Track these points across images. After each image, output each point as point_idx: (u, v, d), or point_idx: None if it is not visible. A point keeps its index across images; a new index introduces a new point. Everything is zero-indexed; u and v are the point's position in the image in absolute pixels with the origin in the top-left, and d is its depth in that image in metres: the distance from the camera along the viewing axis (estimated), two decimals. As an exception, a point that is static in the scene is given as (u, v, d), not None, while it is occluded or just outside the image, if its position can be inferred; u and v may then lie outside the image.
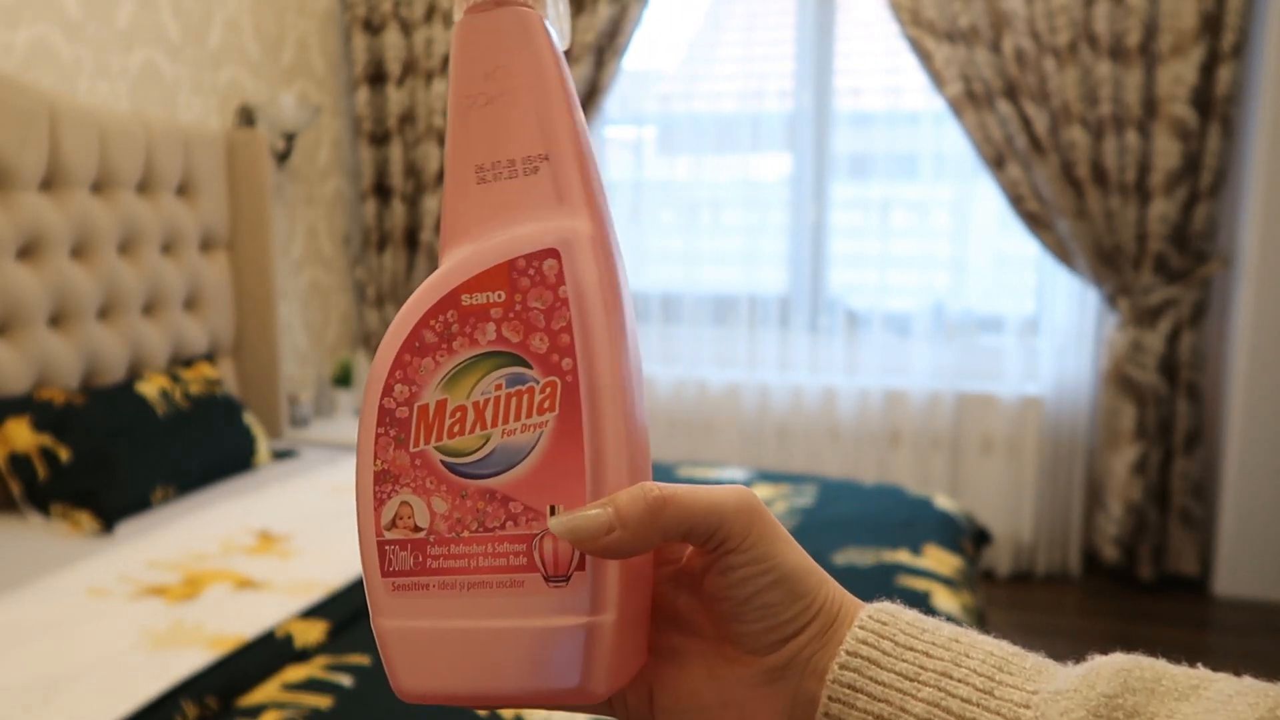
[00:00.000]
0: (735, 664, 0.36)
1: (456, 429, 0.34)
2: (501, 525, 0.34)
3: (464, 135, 0.36)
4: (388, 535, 0.35)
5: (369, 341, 3.32)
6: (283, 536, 1.82)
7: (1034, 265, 3.02)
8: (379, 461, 0.35)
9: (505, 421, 0.34)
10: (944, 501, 2.15)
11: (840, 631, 0.35)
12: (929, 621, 0.35)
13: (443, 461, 0.35)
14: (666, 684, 0.37)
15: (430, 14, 3.11)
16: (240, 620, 1.44)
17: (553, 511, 0.34)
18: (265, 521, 1.89)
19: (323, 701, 1.23)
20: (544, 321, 0.34)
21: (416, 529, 0.35)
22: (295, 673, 1.31)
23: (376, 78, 3.18)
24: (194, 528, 1.85)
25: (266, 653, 1.35)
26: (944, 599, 1.62)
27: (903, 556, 1.78)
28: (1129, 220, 2.72)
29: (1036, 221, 2.79)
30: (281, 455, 2.44)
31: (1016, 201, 2.79)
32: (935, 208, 3.02)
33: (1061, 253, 2.80)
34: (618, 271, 0.36)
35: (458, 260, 0.35)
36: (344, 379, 3.07)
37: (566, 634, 0.34)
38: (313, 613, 1.48)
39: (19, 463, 1.87)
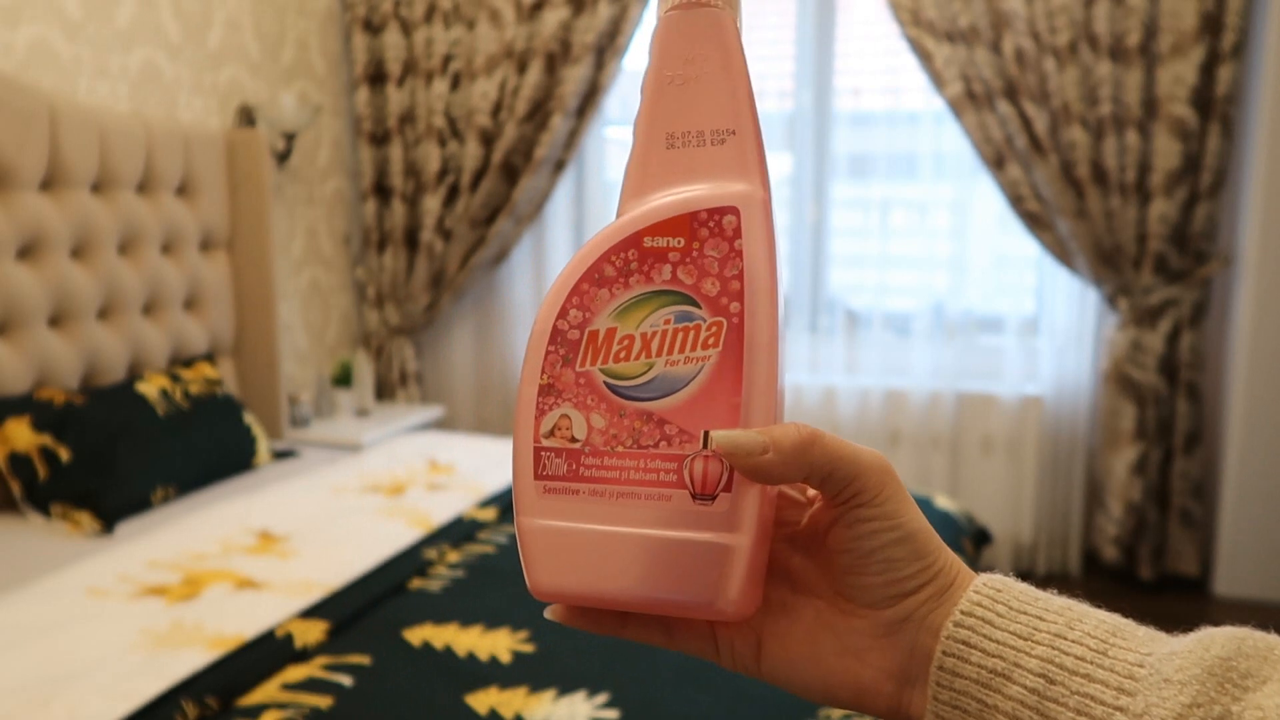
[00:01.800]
0: (852, 616, 0.38)
1: (622, 355, 0.38)
2: (655, 445, 0.37)
3: (659, 107, 0.40)
4: (545, 443, 0.38)
5: (369, 341, 3.32)
6: (283, 536, 1.82)
7: (1034, 265, 3.02)
8: (545, 376, 0.38)
9: (670, 353, 0.37)
10: (944, 501, 2.15)
11: (956, 594, 0.37)
12: (1040, 592, 0.37)
13: (605, 383, 0.38)
14: (778, 634, 0.39)
15: (430, 14, 3.11)
16: (240, 620, 1.44)
17: (706, 436, 0.37)
18: (265, 521, 1.89)
19: (323, 701, 1.23)
20: (718, 269, 0.37)
21: (573, 440, 0.38)
22: (295, 673, 1.31)
23: (376, 78, 3.18)
24: (194, 528, 1.85)
25: (266, 653, 1.35)
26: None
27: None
28: (1129, 220, 2.72)
29: (1036, 221, 2.79)
30: (281, 455, 2.44)
31: (1016, 201, 2.79)
32: (935, 208, 3.02)
33: (1061, 253, 2.80)
34: (774, 236, 0.39)
35: (646, 208, 0.39)
36: (344, 379, 3.07)
37: (706, 548, 0.36)
38: (313, 613, 1.48)
39: (19, 463, 1.87)
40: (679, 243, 0.38)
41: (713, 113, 0.40)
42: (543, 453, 0.38)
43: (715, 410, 0.37)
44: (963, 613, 0.36)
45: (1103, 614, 0.36)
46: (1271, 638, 0.33)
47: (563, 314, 0.38)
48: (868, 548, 0.36)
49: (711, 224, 0.38)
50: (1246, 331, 2.70)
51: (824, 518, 0.39)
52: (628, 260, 0.38)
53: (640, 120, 0.41)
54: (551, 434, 0.38)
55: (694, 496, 0.37)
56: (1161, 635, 0.35)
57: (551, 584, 0.38)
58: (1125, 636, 0.34)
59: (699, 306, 0.37)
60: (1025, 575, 3.02)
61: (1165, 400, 2.82)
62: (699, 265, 0.38)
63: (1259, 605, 2.74)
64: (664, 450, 0.37)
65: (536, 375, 0.39)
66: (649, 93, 0.41)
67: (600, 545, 0.37)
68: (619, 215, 0.40)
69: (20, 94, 1.96)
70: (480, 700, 1.25)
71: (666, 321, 0.37)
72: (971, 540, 2.07)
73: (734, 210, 0.38)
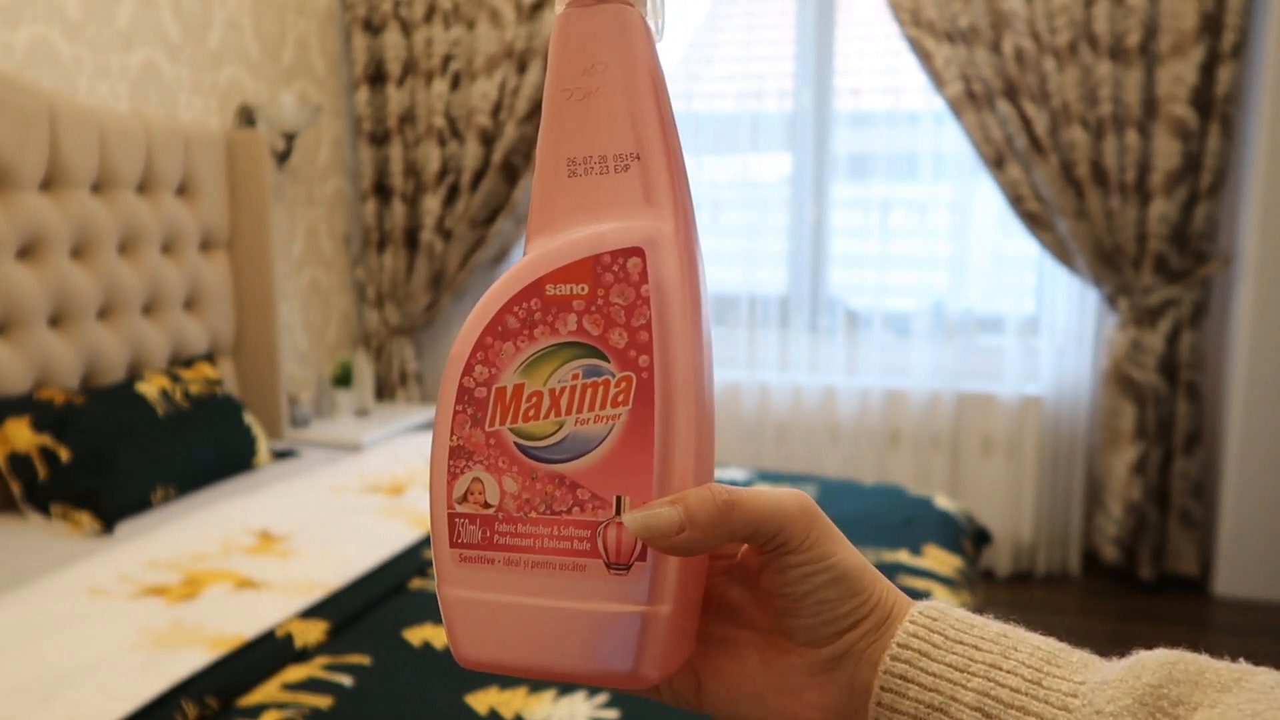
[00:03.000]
0: (790, 654, 0.37)
1: (531, 413, 0.36)
2: (568, 510, 0.35)
3: (558, 127, 0.37)
4: (459, 508, 0.37)
5: (369, 341, 3.32)
6: (283, 536, 1.82)
7: (1034, 265, 3.02)
8: (455, 437, 0.37)
9: (579, 410, 0.35)
10: (944, 501, 2.15)
11: (893, 627, 0.36)
12: (977, 618, 0.37)
13: (516, 443, 0.36)
14: (717, 671, 0.38)
15: (430, 14, 3.11)
16: (240, 620, 1.44)
17: (619, 502, 0.35)
18: (265, 521, 1.89)
19: (323, 701, 1.23)
20: (624, 317, 0.35)
21: (486, 505, 0.36)
22: (295, 673, 1.31)
23: (376, 78, 3.18)
24: (194, 528, 1.85)
25: (266, 653, 1.35)
26: (944, 599, 1.62)
27: (903, 556, 1.78)
28: (1129, 220, 2.72)
29: (1036, 221, 2.79)
30: (281, 455, 2.44)
31: (1016, 201, 2.79)
32: (935, 208, 3.02)
33: (1061, 253, 2.80)
34: (698, 272, 0.37)
35: (545, 250, 0.36)
36: (344, 379, 3.07)
37: (623, 620, 0.35)
38: (313, 613, 1.48)
39: (19, 463, 1.87)
40: (583, 289, 0.35)
41: (615, 134, 0.37)
42: (456, 519, 0.37)
43: (627, 473, 0.35)
44: (899, 645, 0.36)
45: (1038, 640, 0.36)
46: (1203, 660, 0.33)
47: (468, 370, 0.36)
48: (800, 591, 0.36)
49: (615, 268, 0.35)
50: (1246, 331, 2.70)
51: (754, 561, 0.38)
52: (530, 310, 0.36)
53: (540, 143, 0.38)
54: (465, 499, 0.37)
55: (609, 566, 0.35)
56: (1095, 660, 0.35)
57: (475, 654, 0.37)
58: (1059, 664, 0.34)
59: (607, 360, 0.35)
60: (1025, 575, 3.03)
61: (1165, 400, 2.81)
62: (605, 314, 0.35)
63: (1259, 605, 2.74)
64: (577, 516, 0.35)
65: (446, 437, 0.37)
66: (546, 110, 0.38)
67: (517, 618, 0.36)
68: (526, 251, 0.37)
69: (20, 94, 1.96)
70: (480, 700, 1.25)
71: (574, 376, 0.35)
72: (971, 540, 2.07)
73: (639, 251, 0.35)
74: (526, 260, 0.37)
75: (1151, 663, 0.33)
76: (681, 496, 0.34)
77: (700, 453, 0.36)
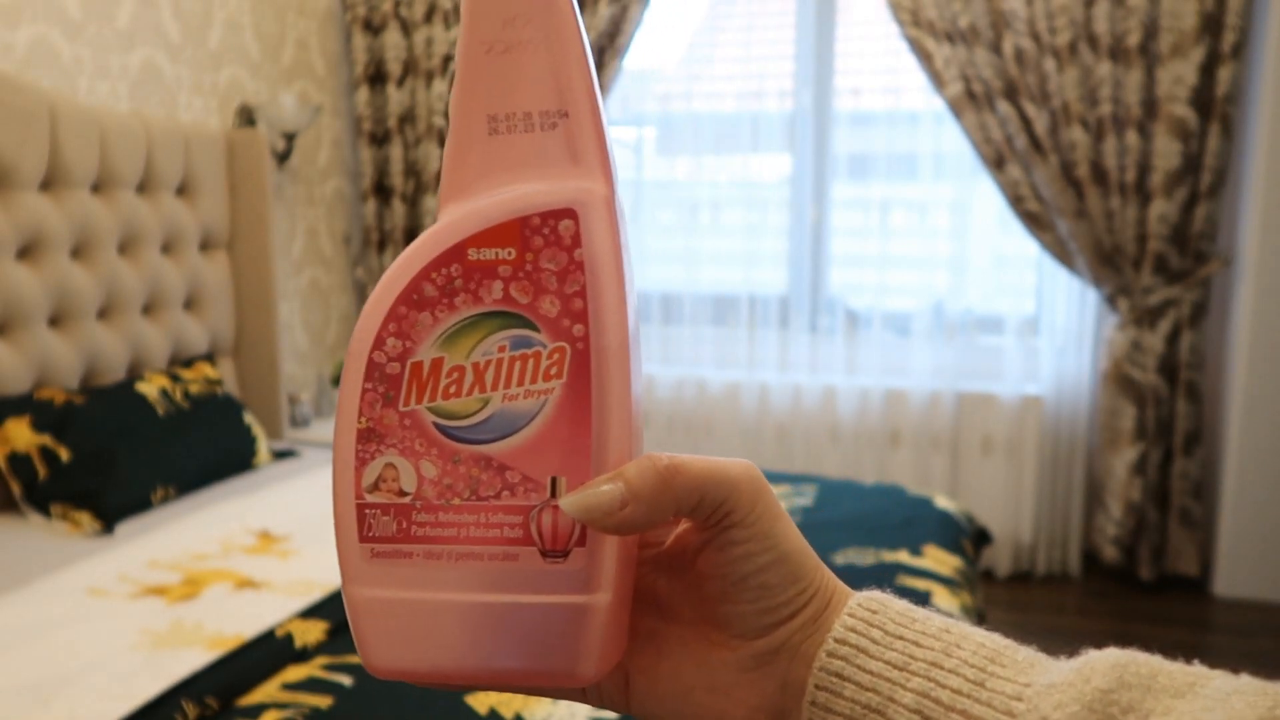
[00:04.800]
0: (721, 648, 0.35)
1: (452, 390, 0.33)
2: (496, 495, 0.33)
3: (477, 82, 0.34)
4: (369, 498, 0.33)
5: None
6: (283, 536, 1.82)
7: (1034, 265, 3.02)
8: (364, 419, 0.33)
9: (507, 385, 0.32)
10: (944, 501, 2.15)
11: (830, 619, 0.34)
12: (919, 611, 0.35)
13: (435, 423, 0.33)
14: (645, 668, 0.36)
15: (430, 14, 3.11)
16: (240, 620, 1.44)
17: (554, 483, 0.32)
18: (265, 521, 1.89)
19: (323, 701, 1.23)
20: (556, 284, 0.32)
21: (402, 493, 0.33)
22: (295, 672, 1.31)
23: (376, 78, 3.18)
24: (194, 528, 1.85)
25: (266, 652, 1.35)
26: (944, 599, 1.62)
27: (903, 556, 1.78)
28: (1129, 220, 2.72)
29: (1036, 222, 2.79)
30: (281, 455, 2.44)
31: (1016, 201, 2.79)
32: (935, 208, 3.02)
33: (1061, 253, 2.80)
34: (624, 238, 0.34)
35: (466, 212, 0.33)
36: (344, 379, 3.07)
37: (562, 612, 0.32)
38: (312, 612, 1.48)
39: (19, 463, 1.87)
40: (509, 254, 0.32)
41: (540, 89, 0.34)
42: (367, 510, 0.33)
43: (562, 452, 0.32)
44: (836, 640, 0.33)
45: (982, 635, 0.34)
46: (1155, 662, 0.31)
47: (379, 344, 0.33)
48: (741, 572, 0.33)
49: (546, 230, 0.32)
50: (1246, 331, 2.70)
51: (692, 540, 0.35)
52: (450, 277, 0.33)
53: (455, 100, 0.34)
54: (375, 487, 0.33)
55: (544, 554, 0.32)
56: (1042, 660, 0.33)
57: (388, 662, 0.33)
58: (1004, 664, 0.32)
59: (537, 330, 0.32)
60: (1025, 575, 3.03)
61: (1165, 400, 2.81)
62: (534, 281, 0.32)
63: (1259, 605, 2.74)
64: (506, 501, 0.32)
65: (354, 419, 0.33)
66: (462, 65, 0.34)
67: (440, 617, 0.33)
68: (438, 217, 0.34)
69: (20, 94, 1.96)
70: (480, 700, 1.25)
71: (501, 349, 0.32)
72: (971, 541, 2.07)
73: (571, 213, 0.33)
74: (445, 223, 0.33)
75: (1101, 665, 0.31)
76: (619, 471, 0.32)
77: (635, 427, 0.34)
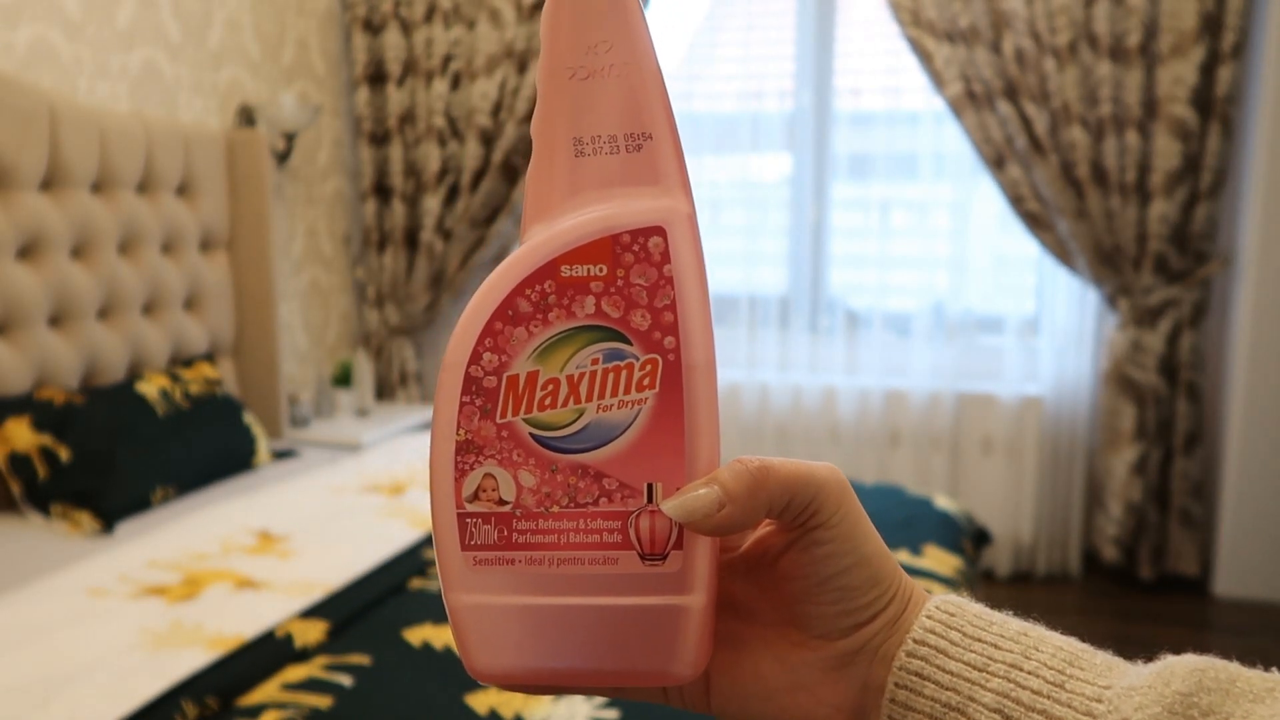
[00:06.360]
0: (802, 648, 0.36)
1: (548, 401, 0.34)
2: (595, 501, 0.34)
3: (560, 106, 0.36)
4: (469, 508, 0.34)
5: (369, 341, 3.32)
6: (282, 536, 1.82)
7: (1034, 265, 3.02)
8: (462, 431, 0.34)
9: (601, 396, 0.34)
10: (944, 501, 2.15)
11: (909, 620, 0.35)
12: (996, 615, 0.36)
13: (531, 434, 0.34)
14: (726, 670, 0.37)
15: (430, 14, 3.11)
16: (240, 620, 1.44)
17: (651, 489, 0.34)
18: (265, 521, 1.89)
19: (323, 701, 1.23)
20: (647, 299, 0.34)
21: (502, 502, 0.34)
22: (295, 673, 1.31)
23: (376, 78, 3.18)
24: (194, 528, 1.85)
25: (266, 653, 1.35)
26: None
27: (902, 556, 1.78)
28: (1129, 220, 2.72)
29: (1036, 221, 2.79)
30: (281, 455, 2.44)
31: (1016, 201, 2.79)
32: (935, 208, 3.02)
33: (1061, 253, 2.80)
34: (704, 261, 0.36)
35: (556, 230, 0.35)
36: (344, 379, 3.07)
37: (660, 613, 0.34)
38: (313, 613, 1.48)
39: (19, 463, 1.87)
40: (601, 270, 0.34)
41: (624, 113, 0.36)
42: (468, 519, 0.34)
43: (657, 459, 0.34)
44: (915, 641, 0.34)
45: (1060, 639, 0.35)
46: (1233, 668, 0.32)
47: (475, 358, 0.34)
48: (824, 574, 0.34)
49: (636, 247, 0.34)
50: (1246, 331, 2.70)
51: (775, 542, 0.36)
52: (544, 293, 0.34)
53: (539, 124, 0.36)
54: (475, 497, 0.34)
55: (643, 557, 0.34)
56: (1120, 663, 0.34)
57: (492, 666, 0.35)
58: (1083, 666, 0.33)
59: (629, 343, 0.34)
60: (1025, 575, 3.03)
61: (1165, 400, 2.82)
62: (626, 296, 0.34)
63: (1259, 605, 2.74)
64: (605, 508, 0.34)
65: (452, 431, 0.34)
66: (545, 89, 0.36)
67: (542, 620, 0.34)
68: (523, 237, 0.35)
69: (20, 94, 1.96)
70: (480, 700, 1.25)
71: (594, 361, 0.34)
72: (971, 541, 2.07)
73: (660, 230, 0.34)
74: (537, 241, 0.35)
75: (1181, 669, 0.32)
76: (714, 475, 0.33)
77: (719, 435, 0.36)
